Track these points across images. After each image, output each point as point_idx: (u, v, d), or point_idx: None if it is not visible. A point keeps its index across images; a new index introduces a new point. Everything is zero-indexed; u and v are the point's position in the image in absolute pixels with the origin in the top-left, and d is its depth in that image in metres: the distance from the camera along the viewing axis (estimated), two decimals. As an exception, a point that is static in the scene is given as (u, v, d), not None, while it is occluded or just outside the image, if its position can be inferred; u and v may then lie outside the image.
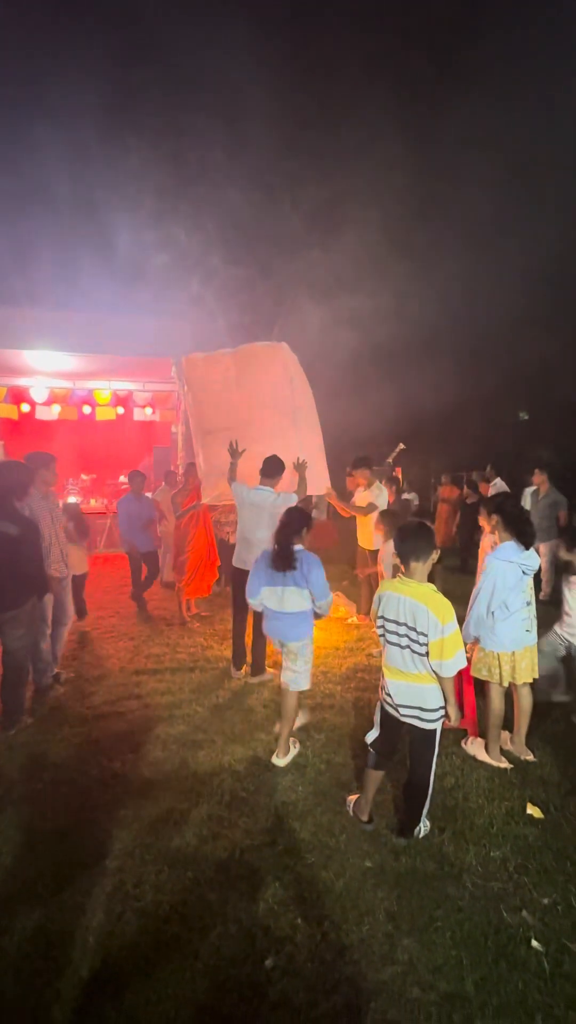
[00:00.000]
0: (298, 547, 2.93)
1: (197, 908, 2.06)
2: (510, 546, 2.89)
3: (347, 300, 12.34)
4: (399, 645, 2.30)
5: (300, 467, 4.15)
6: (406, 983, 1.80)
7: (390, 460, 15.02)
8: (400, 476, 14.68)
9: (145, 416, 11.29)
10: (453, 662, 2.19)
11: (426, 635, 2.20)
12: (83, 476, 11.61)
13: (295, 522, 2.94)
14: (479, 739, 3.11)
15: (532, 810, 2.59)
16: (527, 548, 2.87)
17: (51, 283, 10.47)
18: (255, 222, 11.99)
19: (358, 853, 2.32)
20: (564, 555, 3.42)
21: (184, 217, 11.66)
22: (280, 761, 2.96)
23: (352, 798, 2.62)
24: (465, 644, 2.83)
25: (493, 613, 2.88)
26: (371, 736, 2.48)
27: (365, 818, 2.49)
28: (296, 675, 2.99)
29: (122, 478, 11.79)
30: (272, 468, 4.05)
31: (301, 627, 2.97)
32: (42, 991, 1.76)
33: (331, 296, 12.23)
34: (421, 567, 2.27)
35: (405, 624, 2.26)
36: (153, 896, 2.11)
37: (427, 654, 2.21)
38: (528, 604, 2.93)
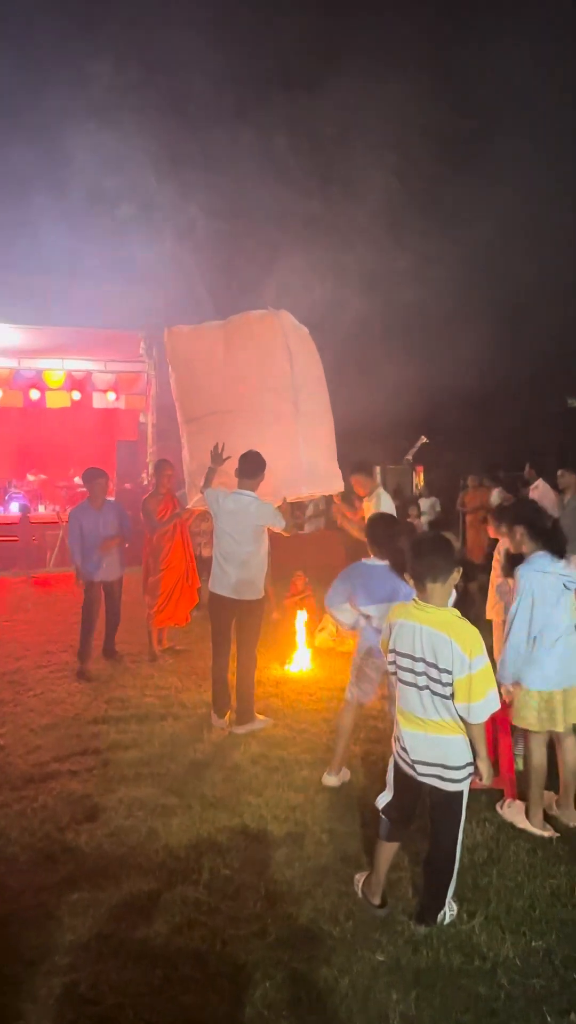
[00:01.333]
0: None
1: (169, 1014, 2.05)
2: (542, 556, 2.94)
3: (357, 260, 12.46)
4: (416, 685, 2.29)
5: (283, 509, 4.18)
6: None
7: (409, 457, 15.13)
8: (421, 477, 14.80)
9: (107, 403, 11.32)
10: (484, 704, 2.19)
11: (450, 672, 2.19)
12: (29, 477, 11.60)
13: (396, 527, 3.31)
14: (518, 802, 3.12)
15: (583, 890, 2.61)
16: (560, 557, 2.93)
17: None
18: (244, 162, 12.09)
19: (368, 944, 2.32)
20: None
21: (157, 157, 11.74)
22: (329, 780, 3.34)
23: (361, 877, 2.63)
24: (501, 686, 2.87)
25: (534, 639, 2.91)
26: (383, 800, 2.48)
27: (377, 901, 2.50)
28: (363, 683, 3.32)
29: (78, 479, 11.80)
30: (252, 467, 4.07)
31: None
32: None
33: (337, 254, 12.35)
34: (440, 588, 2.27)
35: (423, 660, 2.26)
36: (113, 1000, 2.10)
37: (452, 696, 2.21)
38: None
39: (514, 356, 14.98)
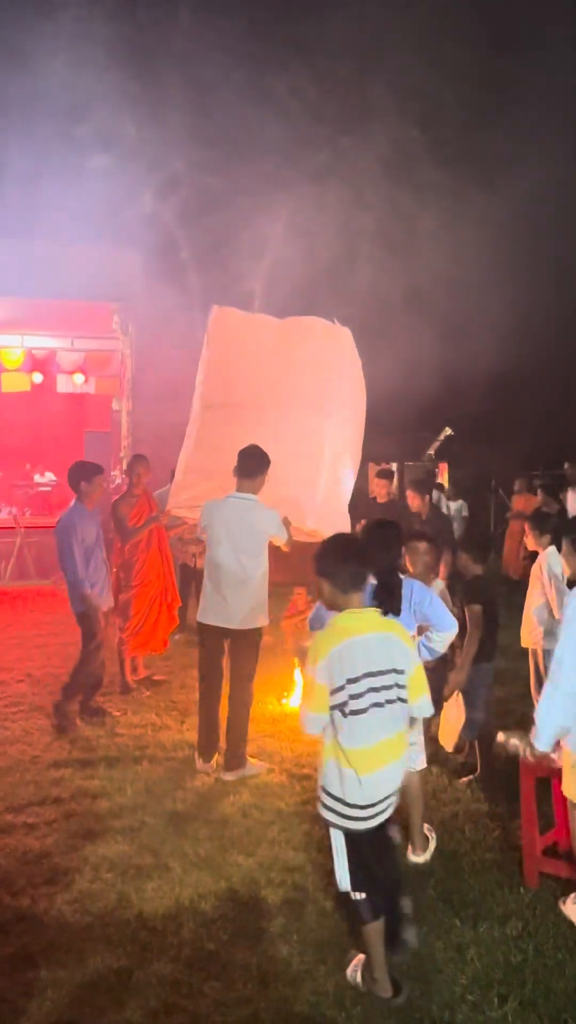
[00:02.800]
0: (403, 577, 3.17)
1: None
2: None
3: (366, 219, 12.47)
4: (382, 703, 2.35)
5: (285, 522, 4.21)
6: None
7: (431, 452, 15.14)
8: (445, 475, 14.80)
9: (74, 386, 11.33)
10: (427, 692, 2.54)
11: (403, 671, 2.41)
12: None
13: (392, 539, 3.20)
14: None
15: None
16: None
17: None
18: (236, 109, 12.10)
19: (380, 1034, 2.31)
20: None
21: (133, 99, 11.72)
22: (419, 858, 3.26)
23: (356, 961, 2.56)
24: (546, 750, 2.80)
25: None
26: (344, 880, 2.40)
27: (388, 992, 2.44)
28: (413, 747, 3.06)
29: (39, 477, 11.81)
30: (253, 464, 4.09)
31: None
32: None
33: (343, 213, 12.35)
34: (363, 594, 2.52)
35: (392, 670, 2.39)
36: None
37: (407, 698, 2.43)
38: None
39: (555, 332, 15.01)
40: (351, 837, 2.39)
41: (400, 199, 12.44)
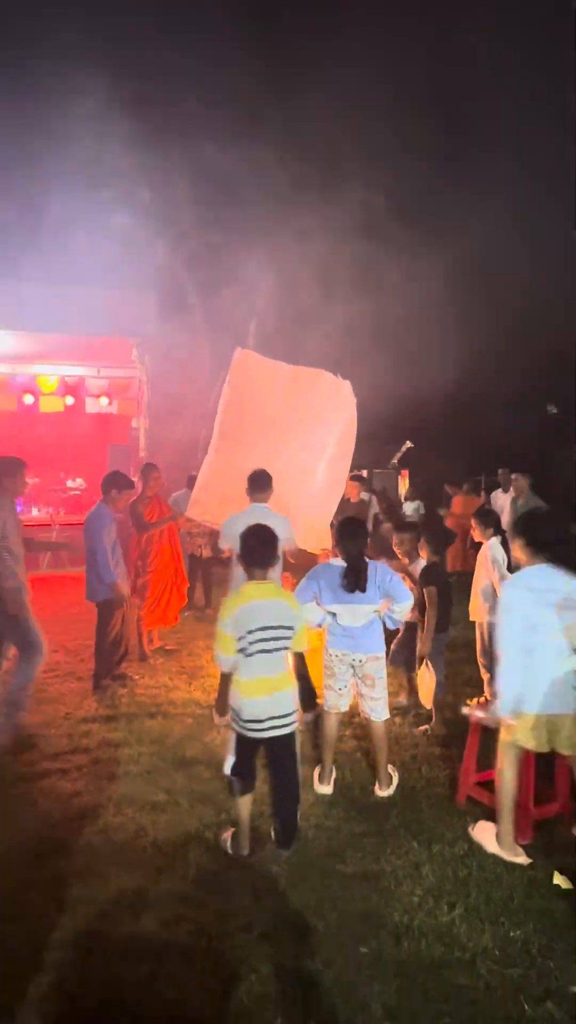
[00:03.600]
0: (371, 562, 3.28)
1: (155, 1010, 2.04)
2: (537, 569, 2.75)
3: (341, 269, 12.49)
4: (270, 650, 2.69)
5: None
6: None
7: (395, 461, 15.19)
8: (406, 480, 14.85)
9: (99, 407, 11.25)
10: (307, 641, 2.89)
11: (291, 627, 2.74)
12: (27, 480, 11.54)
13: (359, 531, 3.34)
14: (488, 823, 2.90)
15: (560, 880, 2.62)
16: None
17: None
18: (233, 180, 12.11)
19: (351, 936, 2.32)
20: None
21: (149, 169, 11.72)
22: (384, 792, 3.29)
23: (228, 834, 2.82)
24: (506, 715, 2.73)
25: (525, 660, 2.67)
26: (230, 765, 2.78)
27: (246, 851, 2.75)
28: (377, 702, 3.30)
29: (71, 482, 11.71)
30: (264, 481, 4.11)
31: (380, 638, 3.34)
32: None
33: (322, 264, 12.37)
34: (272, 573, 2.87)
35: (281, 626, 2.71)
36: (100, 996, 2.08)
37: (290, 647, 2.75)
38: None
39: (497, 364, 15.09)
40: (239, 739, 2.74)
41: (369, 253, 12.49)
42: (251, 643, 2.66)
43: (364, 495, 7.75)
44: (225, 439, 4.74)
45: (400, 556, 4.45)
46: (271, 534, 2.82)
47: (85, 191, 10.98)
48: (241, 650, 2.67)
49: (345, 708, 3.40)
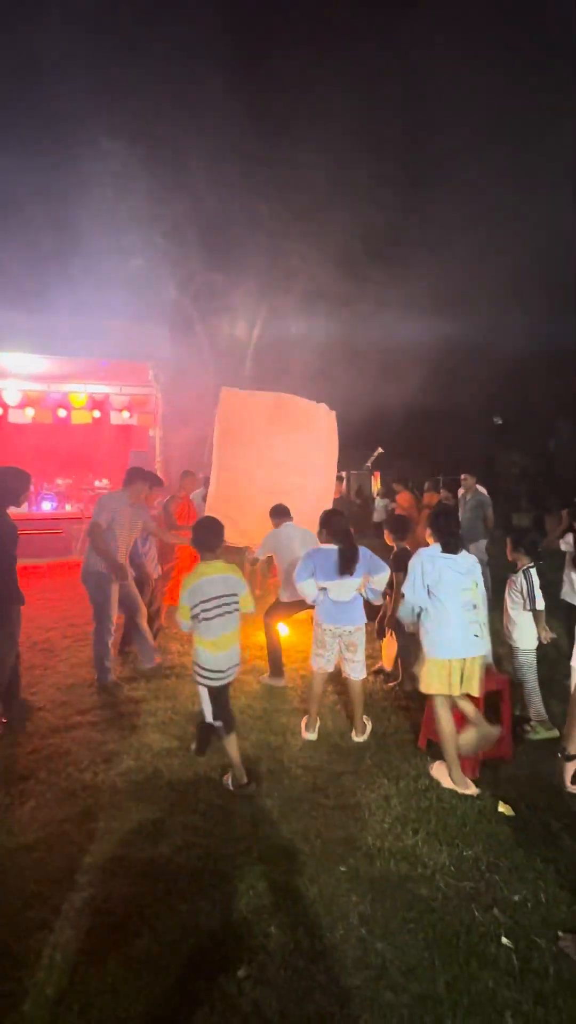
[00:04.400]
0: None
1: (169, 921, 2.02)
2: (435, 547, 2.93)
3: (325, 304, 12.43)
4: (223, 614, 2.77)
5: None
6: (379, 987, 1.80)
7: (369, 464, 15.16)
8: (378, 481, 14.84)
9: (122, 420, 11.15)
10: (253, 605, 2.95)
11: (237, 595, 2.82)
12: (58, 481, 11.38)
13: (344, 522, 3.34)
14: (443, 763, 2.90)
15: (503, 808, 2.63)
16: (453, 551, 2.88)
17: (24, 284, 10.25)
18: (234, 228, 11.97)
19: (332, 858, 2.32)
20: (509, 555, 3.48)
21: (161, 219, 11.58)
22: (359, 738, 3.29)
23: (227, 777, 2.83)
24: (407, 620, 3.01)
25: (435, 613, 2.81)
26: (209, 715, 2.82)
27: (244, 780, 2.77)
28: (357, 664, 3.32)
29: (98, 482, 11.60)
30: (283, 510, 4.20)
31: (362, 611, 3.33)
32: (5, 1015, 1.70)
33: (309, 300, 12.30)
34: (218, 553, 2.89)
35: (227, 594, 2.79)
36: (123, 910, 2.06)
37: (238, 609, 2.84)
38: (474, 607, 2.82)
39: (453, 381, 15.11)
40: (211, 691, 2.80)
41: (348, 291, 12.43)
42: (208, 610, 2.74)
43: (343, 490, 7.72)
44: (224, 471, 4.67)
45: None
46: (218, 525, 2.92)
47: (108, 238, 10.87)
48: (195, 616, 2.74)
49: (330, 670, 3.39)
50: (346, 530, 3.29)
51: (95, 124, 11.31)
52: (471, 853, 2.35)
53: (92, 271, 10.47)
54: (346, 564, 3.19)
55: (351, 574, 3.20)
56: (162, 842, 2.39)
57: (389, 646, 4.18)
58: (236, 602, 2.83)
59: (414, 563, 2.92)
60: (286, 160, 12.17)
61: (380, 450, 14.68)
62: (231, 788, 2.77)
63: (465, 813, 2.60)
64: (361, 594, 3.32)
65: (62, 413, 10.54)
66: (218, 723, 2.82)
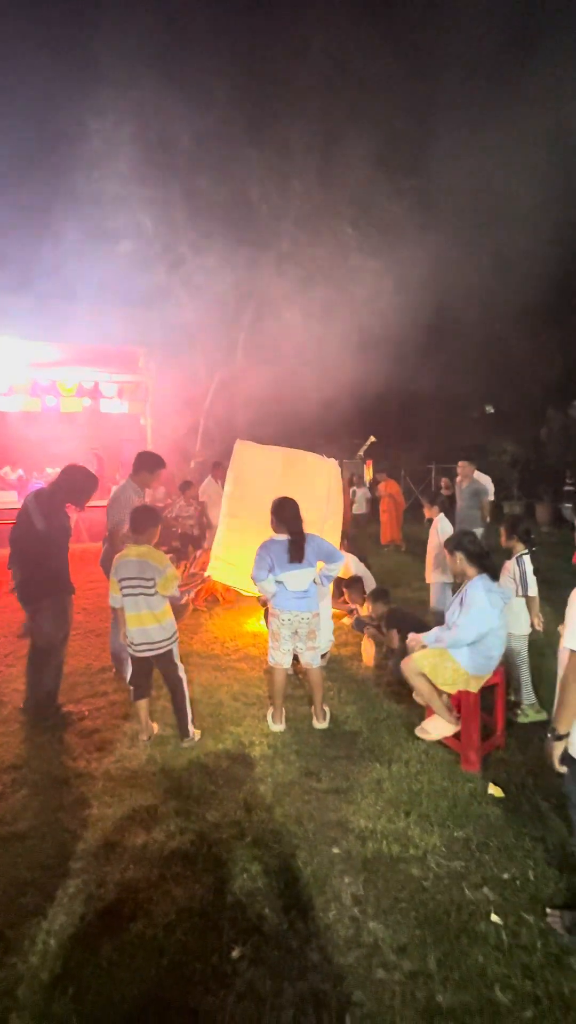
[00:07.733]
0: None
1: (163, 905, 2.03)
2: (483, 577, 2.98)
3: (316, 291, 12.27)
4: (136, 595, 2.96)
5: None
6: (371, 965, 1.82)
7: (361, 454, 15.15)
8: (370, 469, 14.84)
9: (112, 407, 11.01)
10: (177, 589, 3.07)
11: (153, 580, 2.94)
12: (48, 470, 11.24)
13: (296, 510, 3.28)
14: (427, 720, 3.11)
15: (494, 790, 2.66)
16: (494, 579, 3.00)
17: (10, 269, 10.01)
18: (223, 214, 11.73)
19: (325, 840, 2.34)
20: (503, 544, 3.51)
21: (151, 203, 11.31)
22: (320, 725, 3.30)
23: (144, 736, 3.08)
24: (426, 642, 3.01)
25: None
26: (128, 674, 3.13)
27: (145, 736, 3.09)
28: (315, 651, 3.33)
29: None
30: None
31: (317, 600, 3.33)
32: None
33: (301, 285, 12.13)
34: (145, 538, 3.03)
35: (140, 577, 2.94)
36: (117, 895, 2.07)
37: (155, 593, 2.96)
38: None
39: (445, 370, 15.07)
40: (132, 659, 3.07)
41: (342, 279, 12.30)
42: (124, 588, 2.96)
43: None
44: (235, 517, 4.74)
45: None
46: (151, 512, 3.10)
47: (101, 226, 10.65)
48: (122, 591, 2.97)
49: (288, 665, 3.33)
50: (295, 517, 3.21)
51: (83, 105, 10.98)
52: (462, 834, 2.38)
53: (86, 261, 10.24)
54: (296, 552, 3.15)
55: (300, 561, 3.15)
56: (155, 828, 2.40)
57: (367, 647, 4.25)
58: (151, 585, 2.94)
59: (477, 595, 2.89)
60: (275, 142, 11.93)
61: (372, 438, 14.66)
62: (144, 740, 3.09)
63: (456, 795, 2.63)
64: (315, 582, 3.26)
65: (51, 401, 10.37)
66: (131, 686, 3.10)
